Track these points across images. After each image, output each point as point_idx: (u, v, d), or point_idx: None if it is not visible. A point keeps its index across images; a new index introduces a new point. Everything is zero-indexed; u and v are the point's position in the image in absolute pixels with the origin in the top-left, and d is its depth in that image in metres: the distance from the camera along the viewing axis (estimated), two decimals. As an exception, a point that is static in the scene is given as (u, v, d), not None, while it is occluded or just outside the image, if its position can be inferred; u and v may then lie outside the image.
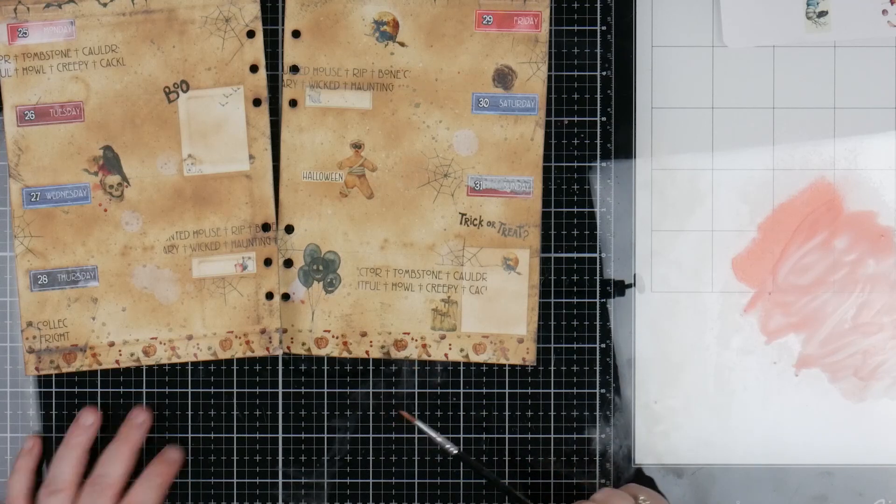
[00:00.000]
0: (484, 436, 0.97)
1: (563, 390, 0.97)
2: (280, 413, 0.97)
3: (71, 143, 0.95)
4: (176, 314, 0.96)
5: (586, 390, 0.97)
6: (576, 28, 0.97)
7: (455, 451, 0.93)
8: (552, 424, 0.97)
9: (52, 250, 0.95)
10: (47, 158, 0.95)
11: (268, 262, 0.96)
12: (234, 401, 0.97)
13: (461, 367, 0.97)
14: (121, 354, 0.96)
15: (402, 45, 0.96)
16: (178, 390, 0.97)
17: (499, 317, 0.96)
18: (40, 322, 0.95)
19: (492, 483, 0.94)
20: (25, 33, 0.95)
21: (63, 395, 0.97)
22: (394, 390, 0.97)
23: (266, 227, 0.96)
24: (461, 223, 0.96)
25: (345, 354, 0.97)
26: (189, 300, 0.96)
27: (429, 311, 0.96)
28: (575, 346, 0.97)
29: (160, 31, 0.95)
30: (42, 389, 0.97)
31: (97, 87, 0.95)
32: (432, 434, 0.94)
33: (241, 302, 0.96)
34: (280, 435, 0.97)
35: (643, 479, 0.98)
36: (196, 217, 0.96)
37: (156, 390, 0.97)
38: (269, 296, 0.96)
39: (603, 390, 0.97)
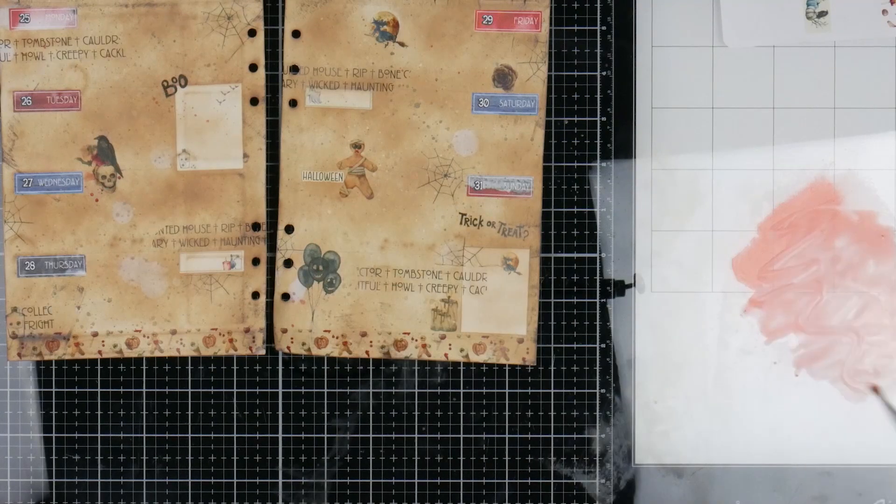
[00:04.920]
0: (484, 436, 0.97)
1: (563, 390, 0.97)
2: (280, 413, 0.97)
3: (66, 131, 0.95)
4: (161, 308, 0.96)
5: (586, 390, 0.97)
6: (576, 28, 0.97)
7: None
8: (552, 424, 0.97)
9: (41, 237, 0.95)
10: (42, 145, 0.95)
11: (256, 261, 0.96)
12: (234, 401, 0.97)
13: (461, 367, 0.97)
14: (104, 345, 0.96)
15: (402, 45, 0.96)
16: (178, 390, 0.97)
17: (499, 317, 0.96)
18: (25, 308, 0.95)
19: None
20: (27, 19, 0.95)
21: (63, 395, 0.97)
22: (394, 390, 0.97)
23: (256, 226, 0.96)
24: (461, 223, 0.96)
25: (345, 354, 0.96)
26: (175, 295, 0.96)
27: (429, 311, 0.96)
28: (575, 346, 0.97)
29: (161, 25, 0.95)
30: (42, 389, 0.97)
31: (96, 76, 0.95)
32: None
33: (226, 300, 0.96)
34: (280, 435, 0.97)
35: (643, 479, 0.98)
36: (187, 212, 0.96)
37: (156, 390, 0.97)
38: (256, 295, 0.96)
39: (603, 390, 0.97)
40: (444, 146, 0.96)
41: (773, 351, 0.98)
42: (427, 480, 0.97)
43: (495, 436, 0.97)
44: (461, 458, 0.97)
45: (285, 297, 0.96)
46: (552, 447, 0.97)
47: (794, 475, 0.98)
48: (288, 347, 0.96)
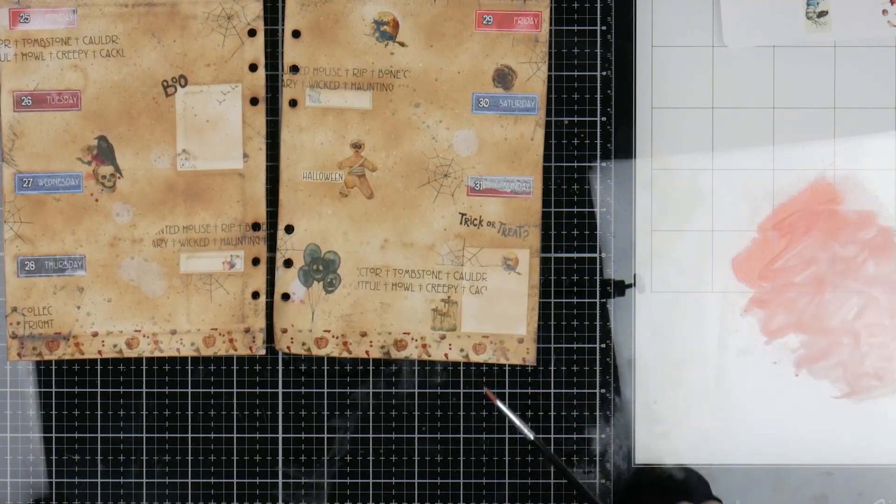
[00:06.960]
0: (484, 436, 0.97)
1: (563, 390, 0.97)
2: (280, 413, 0.97)
3: (66, 131, 0.95)
4: (161, 308, 0.96)
5: (586, 390, 0.97)
6: (576, 28, 0.97)
7: (532, 437, 0.92)
8: (552, 424, 0.97)
9: (41, 237, 0.95)
10: (41, 145, 0.95)
11: (256, 261, 0.96)
12: (234, 401, 0.97)
13: (461, 367, 0.97)
14: (103, 345, 0.96)
15: (402, 45, 0.96)
16: (178, 390, 0.97)
17: (499, 317, 0.96)
18: (25, 308, 0.95)
19: (564, 475, 0.93)
20: (27, 19, 0.95)
21: (63, 395, 0.97)
22: (394, 390, 0.97)
23: (256, 226, 0.96)
24: (461, 223, 0.96)
25: (345, 354, 0.96)
26: (175, 295, 0.96)
27: (429, 311, 0.96)
28: (575, 346, 0.97)
29: (161, 25, 0.95)
30: (42, 389, 0.97)
31: (95, 76, 0.95)
32: (512, 417, 0.93)
33: (226, 300, 0.96)
34: (280, 435, 0.97)
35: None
36: (187, 212, 0.96)
37: (156, 390, 0.97)
38: (255, 295, 0.96)
39: (603, 390, 0.97)
40: (444, 146, 0.96)
41: (773, 351, 0.98)
42: (427, 480, 0.97)
43: (495, 436, 0.97)
44: (461, 458, 0.97)
45: (285, 297, 0.96)
46: (552, 447, 0.97)
47: (794, 475, 0.98)
48: (288, 347, 0.96)
